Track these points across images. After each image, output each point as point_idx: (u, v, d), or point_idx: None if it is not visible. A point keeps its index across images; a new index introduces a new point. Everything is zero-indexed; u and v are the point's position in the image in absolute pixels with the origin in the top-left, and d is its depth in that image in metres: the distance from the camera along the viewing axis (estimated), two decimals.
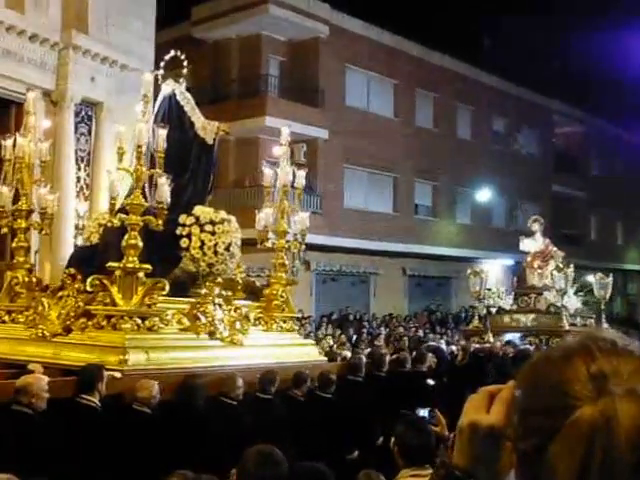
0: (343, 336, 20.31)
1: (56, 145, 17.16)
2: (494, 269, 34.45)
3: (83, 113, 17.85)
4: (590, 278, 19.85)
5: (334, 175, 26.88)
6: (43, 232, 9.86)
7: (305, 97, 26.13)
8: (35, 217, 9.90)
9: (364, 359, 10.28)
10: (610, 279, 19.16)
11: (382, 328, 24.14)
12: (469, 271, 19.03)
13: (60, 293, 8.59)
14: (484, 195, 31.87)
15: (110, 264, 7.98)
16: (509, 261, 32.35)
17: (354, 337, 21.09)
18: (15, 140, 9.39)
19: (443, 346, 15.31)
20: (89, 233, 9.74)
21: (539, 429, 1.01)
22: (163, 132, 8.16)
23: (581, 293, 19.33)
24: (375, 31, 28.60)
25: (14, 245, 9.51)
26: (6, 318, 9.20)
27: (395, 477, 4.44)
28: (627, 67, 36.27)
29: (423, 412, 6.63)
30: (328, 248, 25.88)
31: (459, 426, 1.17)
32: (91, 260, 8.90)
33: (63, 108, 17.32)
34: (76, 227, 17.63)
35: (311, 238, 24.41)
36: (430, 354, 12.03)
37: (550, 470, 0.98)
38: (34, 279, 9.39)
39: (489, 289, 18.84)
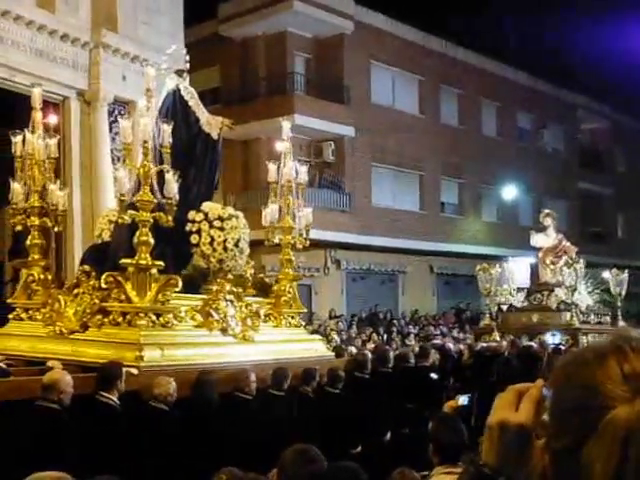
0: (374, 335, 20.14)
1: (92, 145, 17.05)
2: (520, 267, 34.18)
3: (116, 112, 17.67)
4: (606, 274, 19.44)
5: (361, 173, 26.65)
6: (56, 229, 9.76)
7: (330, 94, 25.93)
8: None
9: (369, 355, 10.26)
10: (625, 275, 18.72)
11: (411, 327, 23.95)
12: (478, 267, 18.63)
13: (76, 290, 8.57)
14: (510, 192, 31.59)
15: (123, 261, 8.00)
16: (535, 259, 32.06)
17: (384, 336, 20.92)
18: (24, 137, 9.37)
19: (451, 345, 15.11)
20: (100, 230, 9.73)
21: (573, 428, 1.01)
22: (168, 128, 8.07)
23: (597, 290, 18.94)
24: (399, 27, 28.38)
25: (28, 243, 9.44)
26: (23, 315, 9.26)
27: (430, 474, 4.52)
28: None
29: (463, 399, 6.45)
30: (357, 247, 25.71)
31: (488, 424, 1.17)
32: (104, 257, 8.93)
33: (96, 108, 17.22)
34: None
35: (341, 237, 24.71)
36: (434, 351, 12.17)
37: (586, 470, 0.97)
38: (49, 276, 9.36)
39: (501, 286, 18.43)
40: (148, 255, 7.94)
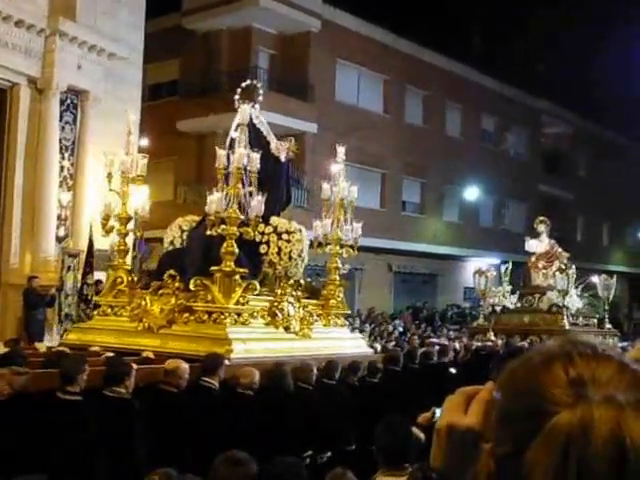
0: None
1: (40, 133, 16.99)
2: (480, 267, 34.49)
3: (69, 101, 17.61)
4: (594, 279, 20.18)
5: (322, 170, 26.67)
6: (139, 235, 11.12)
7: (295, 91, 25.95)
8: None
9: (401, 352, 11.64)
10: (614, 280, 19.59)
11: (367, 325, 24.06)
12: (474, 270, 19.39)
13: (161, 291, 9.72)
14: (472, 193, 31.80)
15: (213, 268, 9.33)
16: (495, 260, 32.31)
17: None
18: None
19: (450, 343, 15.52)
20: (172, 237, 11.05)
21: (517, 434, 0.98)
22: (257, 155, 9.42)
23: (586, 294, 19.58)
24: (367, 27, 28.45)
25: (116, 248, 10.63)
26: (109, 311, 10.34)
27: (373, 477, 4.50)
28: (616, 69, 36.34)
29: (439, 411, 6.59)
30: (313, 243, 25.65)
31: (436, 428, 1.14)
32: (178, 262, 10.10)
33: (48, 96, 17.10)
34: (58, 217, 17.45)
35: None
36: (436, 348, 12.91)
37: (526, 476, 0.95)
38: (135, 278, 10.49)
39: (494, 288, 19.01)
40: (232, 263, 9.30)
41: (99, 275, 15.71)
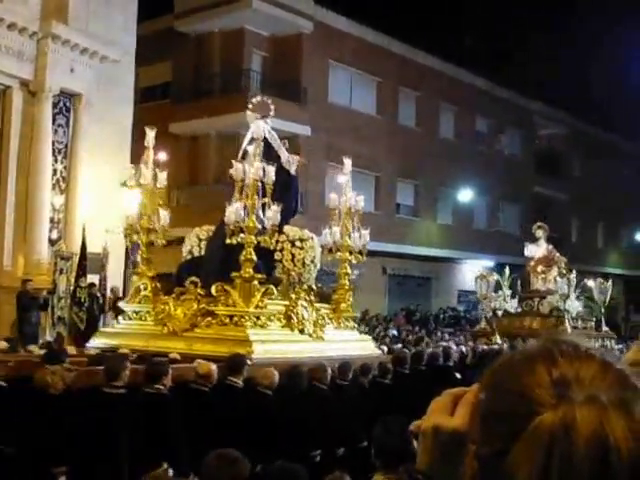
0: None
1: (33, 136, 16.94)
2: (474, 270, 34.48)
3: (61, 104, 17.56)
4: (590, 283, 20.57)
5: (316, 173, 26.67)
6: (157, 244, 11.23)
7: (287, 93, 25.91)
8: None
9: (409, 353, 11.81)
10: (609, 284, 19.93)
11: (362, 327, 24.00)
12: (476, 275, 19.72)
13: (183, 297, 10.39)
14: (466, 195, 31.80)
15: (234, 274, 9.96)
16: (489, 262, 32.32)
17: None
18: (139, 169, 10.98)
19: (453, 347, 15.62)
20: (190, 246, 11.75)
21: (500, 435, 0.98)
22: (272, 168, 10.00)
23: (581, 297, 19.91)
24: (359, 28, 28.45)
25: (139, 257, 11.26)
26: (134, 316, 10.93)
27: (370, 477, 4.51)
28: (610, 70, 36.43)
29: None
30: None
31: (422, 429, 1.13)
32: (197, 269, 10.78)
33: (41, 99, 17.06)
34: (51, 220, 17.39)
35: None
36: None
37: (509, 477, 0.95)
38: (158, 285, 11.05)
39: (495, 292, 19.29)
40: (251, 270, 9.94)
41: (92, 278, 15.66)
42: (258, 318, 10.00)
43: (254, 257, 9.94)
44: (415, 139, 30.35)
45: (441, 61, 31.42)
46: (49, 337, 14.32)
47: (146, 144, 11.19)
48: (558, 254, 19.78)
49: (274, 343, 9.93)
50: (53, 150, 17.16)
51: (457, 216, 32.78)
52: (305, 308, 10.70)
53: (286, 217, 11.24)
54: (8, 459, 6.58)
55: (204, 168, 23.19)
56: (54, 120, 17.27)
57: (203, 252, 11.59)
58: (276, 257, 11.04)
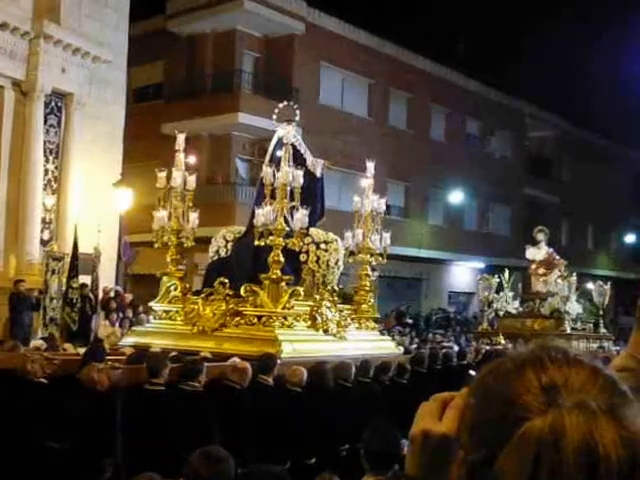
0: None
1: (25, 136, 16.91)
2: (463, 272, 34.58)
3: (53, 104, 17.53)
4: (590, 286, 21.11)
5: None
6: (185, 245, 11.33)
7: (279, 94, 25.89)
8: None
9: (426, 353, 12.13)
10: (608, 286, 20.22)
11: None
12: (479, 277, 20.19)
13: (212, 297, 10.57)
14: (456, 197, 31.85)
15: (262, 276, 10.18)
16: (480, 264, 32.42)
17: None
18: (170, 172, 11.14)
19: (454, 347, 15.97)
20: (217, 247, 11.87)
21: (488, 441, 0.97)
22: (300, 173, 10.25)
23: (581, 300, 20.21)
24: (351, 30, 28.49)
25: (169, 258, 11.26)
26: (164, 315, 11.15)
27: None
28: (601, 73, 36.58)
29: None
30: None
31: (411, 434, 1.12)
32: (225, 270, 10.94)
33: (33, 99, 17.02)
34: (43, 221, 17.36)
35: None
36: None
37: None
38: (187, 285, 11.32)
39: (497, 294, 19.68)
40: (278, 271, 10.16)
41: (84, 278, 15.64)
42: (285, 318, 10.25)
43: (282, 259, 10.18)
44: (406, 141, 30.40)
45: (433, 63, 31.51)
46: (39, 338, 14.28)
47: (177, 147, 11.33)
48: (558, 257, 20.12)
49: (301, 342, 10.20)
50: (45, 150, 17.13)
51: (447, 218, 32.85)
52: (329, 309, 10.98)
53: (312, 220, 11.41)
54: (60, 455, 6.86)
55: (196, 168, 23.05)
56: (46, 120, 17.24)
57: (229, 253, 11.82)
58: (301, 259, 11.30)
